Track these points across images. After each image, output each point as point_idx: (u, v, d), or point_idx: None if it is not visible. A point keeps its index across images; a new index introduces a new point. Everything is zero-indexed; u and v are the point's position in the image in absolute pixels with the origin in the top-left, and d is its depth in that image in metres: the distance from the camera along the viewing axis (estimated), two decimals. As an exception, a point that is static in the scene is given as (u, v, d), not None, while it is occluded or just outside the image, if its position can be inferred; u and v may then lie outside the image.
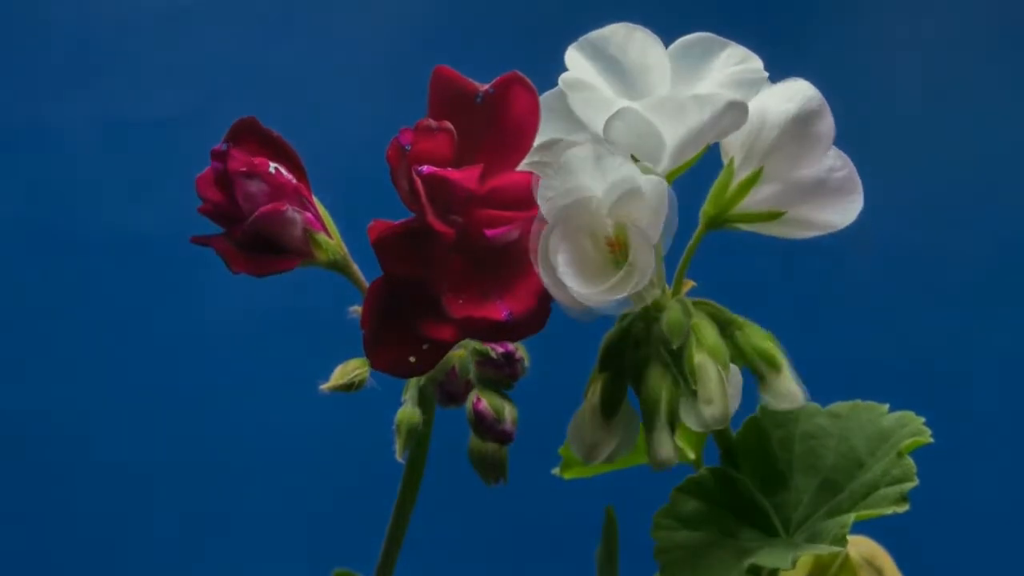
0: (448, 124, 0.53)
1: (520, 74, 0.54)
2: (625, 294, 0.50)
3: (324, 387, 0.58)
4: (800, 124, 0.54)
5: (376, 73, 1.35)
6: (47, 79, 1.35)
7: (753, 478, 0.59)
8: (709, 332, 0.54)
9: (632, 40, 0.54)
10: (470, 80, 0.54)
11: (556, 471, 0.69)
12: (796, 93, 0.54)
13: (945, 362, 1.29)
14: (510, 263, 0.52)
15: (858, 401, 0.60)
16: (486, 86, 0.54)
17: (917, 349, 1.29)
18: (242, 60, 1.35)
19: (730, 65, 0.53)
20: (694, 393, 0.52)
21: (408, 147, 0.52)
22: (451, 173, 0.52)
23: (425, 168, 0.52)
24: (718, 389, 0.52)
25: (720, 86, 0.53)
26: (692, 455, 0.68)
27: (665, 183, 0.50)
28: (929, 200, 1.31)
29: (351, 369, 0.58)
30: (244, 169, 0.56)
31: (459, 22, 1.36)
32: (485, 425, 0.59)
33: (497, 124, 0.54)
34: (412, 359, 0.53)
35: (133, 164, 1.33)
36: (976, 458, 1.26)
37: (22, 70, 1.35)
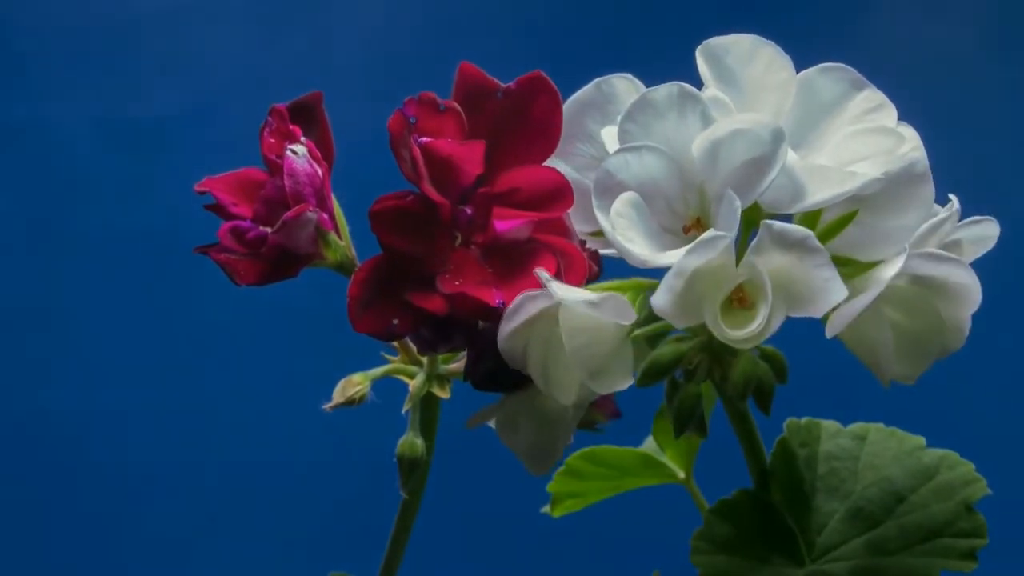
0: (455, 104, 0.53)
1: (542, 73, 0.54)
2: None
3: (327, 406, 0.58)
4: (902, 184, 0.51)
5: (376, 73, 1.34)
6: (47, 79, 1.35)
7: (781, 500, 0.57)
8: None
9: (757, 55, 0.51)
10: (493, 78, 0.54)
11: (545, 509, 0.69)
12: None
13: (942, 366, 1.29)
14: (515, 260, 0.52)
15: (880, 425, 0.59)
16: (509, 84, 0.54)
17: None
18: (242, 60, 1.35)
19: (865, 112, 0.52)
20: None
21: (413, 119, 0.52)
22: (454, 148, 0.52)
23: (424, 138, 0.52)
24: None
25: (869, 161, 0.50)
26: (682, 474, 0.67)
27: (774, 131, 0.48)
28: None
29: (352, 385, 0.58)
30: (293, 136, 0.55)
31: (459, 21, 1.36)
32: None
33: (518, 122, 0.54)
34: (395, 321, 0.52)
35: (133, 163, 1.33)
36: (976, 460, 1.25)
37: (22, 70, 1.35)
